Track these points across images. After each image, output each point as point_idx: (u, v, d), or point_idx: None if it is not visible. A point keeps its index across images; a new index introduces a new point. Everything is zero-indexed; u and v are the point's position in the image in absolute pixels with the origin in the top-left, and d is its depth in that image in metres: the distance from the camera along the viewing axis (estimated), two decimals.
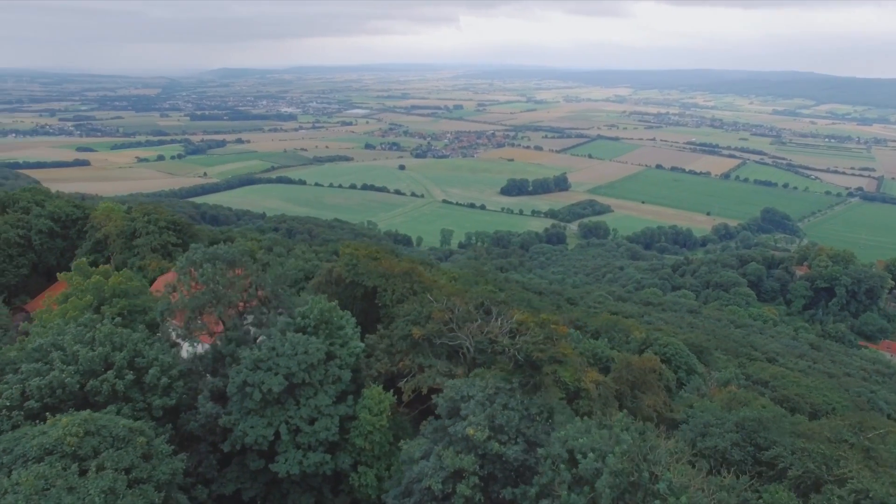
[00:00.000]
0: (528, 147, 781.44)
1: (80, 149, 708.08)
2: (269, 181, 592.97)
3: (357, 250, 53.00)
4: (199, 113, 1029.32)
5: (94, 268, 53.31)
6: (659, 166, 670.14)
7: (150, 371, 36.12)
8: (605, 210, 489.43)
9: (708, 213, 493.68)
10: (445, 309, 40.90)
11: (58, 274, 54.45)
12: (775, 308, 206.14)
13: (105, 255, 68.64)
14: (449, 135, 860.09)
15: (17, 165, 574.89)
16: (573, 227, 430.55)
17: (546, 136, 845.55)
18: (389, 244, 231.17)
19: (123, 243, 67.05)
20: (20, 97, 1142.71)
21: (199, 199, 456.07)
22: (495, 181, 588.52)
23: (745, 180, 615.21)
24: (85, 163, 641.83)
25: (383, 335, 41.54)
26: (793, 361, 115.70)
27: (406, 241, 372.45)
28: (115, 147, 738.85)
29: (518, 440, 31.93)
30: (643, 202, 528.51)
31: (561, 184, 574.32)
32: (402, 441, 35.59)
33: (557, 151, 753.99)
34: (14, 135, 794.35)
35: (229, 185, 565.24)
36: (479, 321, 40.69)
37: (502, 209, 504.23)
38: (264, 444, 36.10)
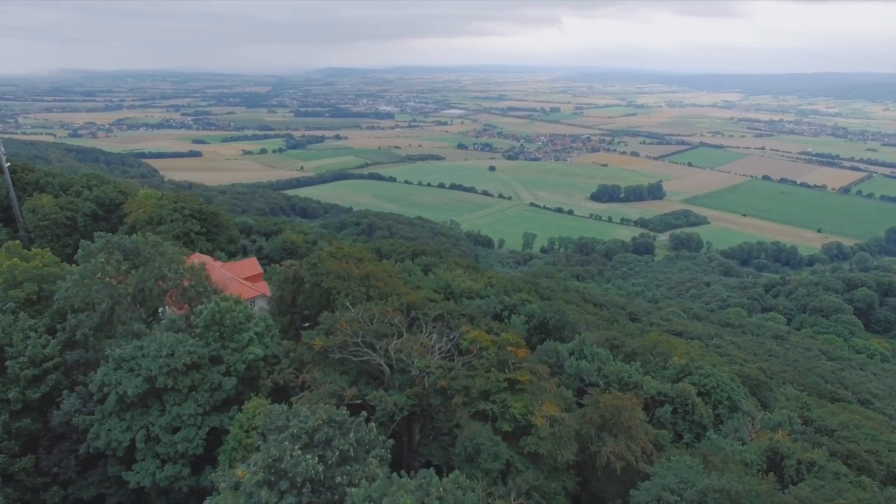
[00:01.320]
0: (623, 153, 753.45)
1: (195, 141, 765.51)
2: (361, 177, 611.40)
3: (339, 249, 51.12)
4: (303, 110, 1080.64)
5: (28, 251, 51.14)
6: (766, 177, 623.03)
7: (8, 362, 34.03)
8: (701, 221, 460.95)
9: (819, 231, 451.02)
10: (357, 320, 37.48)
11: None
12: (888, 342, 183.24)
13: None
14: (543, 137, 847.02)
15: (142, 155, 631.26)
16: (663, 237, 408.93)
17: (644, 142, 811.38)
18: (423, 244, 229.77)
19: (150, 230, 69.27)
20: (153, 94, 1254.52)
21: (291, 192, 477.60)
22: (586, 186, 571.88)
23: (870, 196, 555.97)
24: (198, 154, 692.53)
25: (301, 344, 38.88)
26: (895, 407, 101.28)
27: (487, 242, 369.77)
28: (225, 140, 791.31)
29: (303, 491, 25.29)
30: (744, 215, 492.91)
31: (655, 192, 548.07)
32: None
33: (655, 158, 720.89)
34: (144, 128, 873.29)
35: (323, 179, 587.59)
36: (403, 336, 37.02)
37: (590, 215, 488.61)
38: (119, 449, 33.24)
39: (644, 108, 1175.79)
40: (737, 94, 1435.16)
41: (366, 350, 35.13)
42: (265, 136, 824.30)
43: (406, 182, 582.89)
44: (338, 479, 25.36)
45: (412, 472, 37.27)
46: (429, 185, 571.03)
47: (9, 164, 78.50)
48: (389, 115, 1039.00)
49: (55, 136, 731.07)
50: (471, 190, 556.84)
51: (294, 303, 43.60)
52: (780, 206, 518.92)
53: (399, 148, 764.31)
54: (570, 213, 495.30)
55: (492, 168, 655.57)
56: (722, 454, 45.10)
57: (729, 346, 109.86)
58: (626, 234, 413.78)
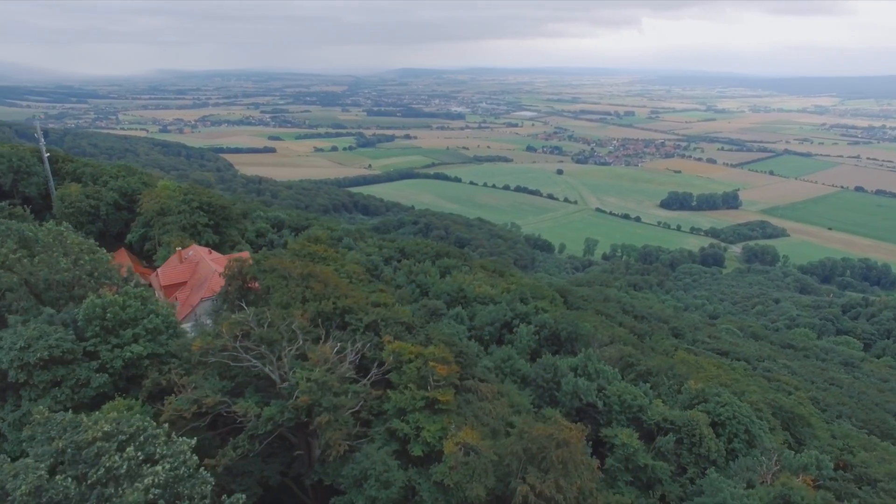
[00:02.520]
0: (699, 159, 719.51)
1: (271, 137, 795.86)
2: (427, 177, 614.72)
3: (306, 246, 48.80)
4: (375, 109, 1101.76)
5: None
6: (859, 188, 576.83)
7: None
8: (779, 234, 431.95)
9: None
10: (242, 322, 34.38)
11: None
12: None
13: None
14: (615, 142, 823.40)
15: (220, 150, 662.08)
16: (735, 249, 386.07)
17: (722, 149, 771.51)
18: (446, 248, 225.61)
19: (159, 220, 70.17)
20: (237, 93, 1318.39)
21: (356, 189, 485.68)
22: (656, 193, 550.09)
23: None
24: (272, 150, 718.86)
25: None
26: None
27: (546, 246, 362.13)
28: (299, 137, 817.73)
29: None
30: (830, 228, 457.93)
31: (730, 201, 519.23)
32: None
33: (733, 166, 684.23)
34: (226, 124, 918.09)
35: (389, 177, 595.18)
36: (299, 343, 33.72)
37: (658, 223, 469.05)
38: None
39: (724, 112, 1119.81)
40: (831, 98, 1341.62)
41: (247, 357, 32.45)
42: (337, 135, 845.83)
43: (471, 183, 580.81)
44: (90, 502, 22.23)
45: (308, 491, 34.40)
46: (493, 186, 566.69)
47: (48, 154, 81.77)
48: (460, 116, 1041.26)
49: (147, 131, 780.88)
50: (536, 193, 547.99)
51: (240, 300, 41.75)
52: (874, 221, 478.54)
53: (467, 149, 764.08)
54: (637, 219, 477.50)
55: (559, 171, 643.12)
56: (719, 497, 39.65)
57: (781, 370, 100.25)
58: (695, 243, 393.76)
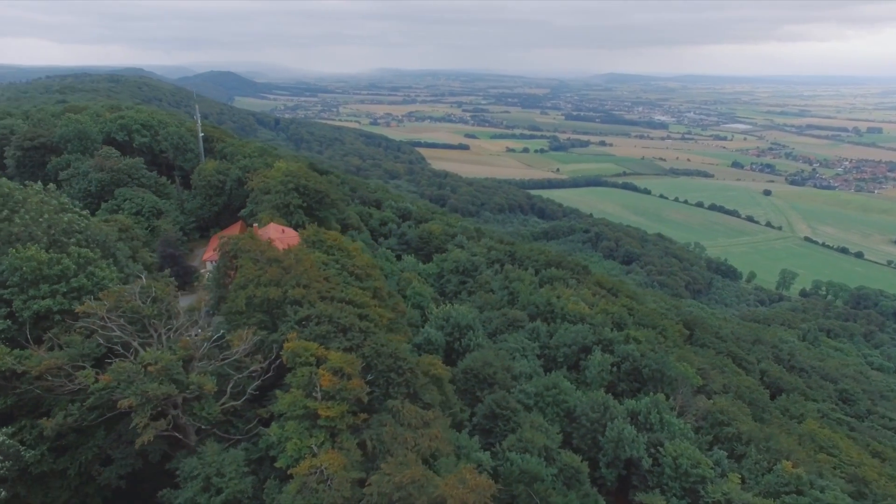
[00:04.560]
0: None
1: (467, 135, 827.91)
2: (614, 185, 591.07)
3: (317, 232, 49.01)
4: (574, 113, 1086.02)
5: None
6: None
7: None
8: None
9: None
10: (124, 294, 34.21)
11: None
12: None
13: None
14: (847, 163, 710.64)
15: (418, 144, 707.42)
16: None
17: None
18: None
19: (261, 197, 77.07)
20: (443, 91, 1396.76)
21: (537, 191, 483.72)
22: (890, 226, 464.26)
23: None
24: (465, 147, 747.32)
25: None
26: None
27: (730, 273, 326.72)
28: (493, 136, 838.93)
29: None
30: None
31: None
32: None
33: None
34: (429, 120, 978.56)
35: (575, 183, 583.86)
36: (181, 321, 32.84)
37: (888, 262, 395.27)
38: None
39: None
40: None
41: (111, 327, 33.39)
42: (531, 136, 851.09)
43: (661, 196, 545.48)
44: None
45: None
46: (685, 202, 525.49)
47: (203, 134, 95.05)
48: (663, 126, 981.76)
49: (359, 122, 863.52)
50: (733, 213, 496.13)
51: (227, 273, 44.23)
52: None
53: (664, 160, 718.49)
54: (859, 255, 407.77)
55: (766, 192, 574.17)
56: None
57: None
58: None
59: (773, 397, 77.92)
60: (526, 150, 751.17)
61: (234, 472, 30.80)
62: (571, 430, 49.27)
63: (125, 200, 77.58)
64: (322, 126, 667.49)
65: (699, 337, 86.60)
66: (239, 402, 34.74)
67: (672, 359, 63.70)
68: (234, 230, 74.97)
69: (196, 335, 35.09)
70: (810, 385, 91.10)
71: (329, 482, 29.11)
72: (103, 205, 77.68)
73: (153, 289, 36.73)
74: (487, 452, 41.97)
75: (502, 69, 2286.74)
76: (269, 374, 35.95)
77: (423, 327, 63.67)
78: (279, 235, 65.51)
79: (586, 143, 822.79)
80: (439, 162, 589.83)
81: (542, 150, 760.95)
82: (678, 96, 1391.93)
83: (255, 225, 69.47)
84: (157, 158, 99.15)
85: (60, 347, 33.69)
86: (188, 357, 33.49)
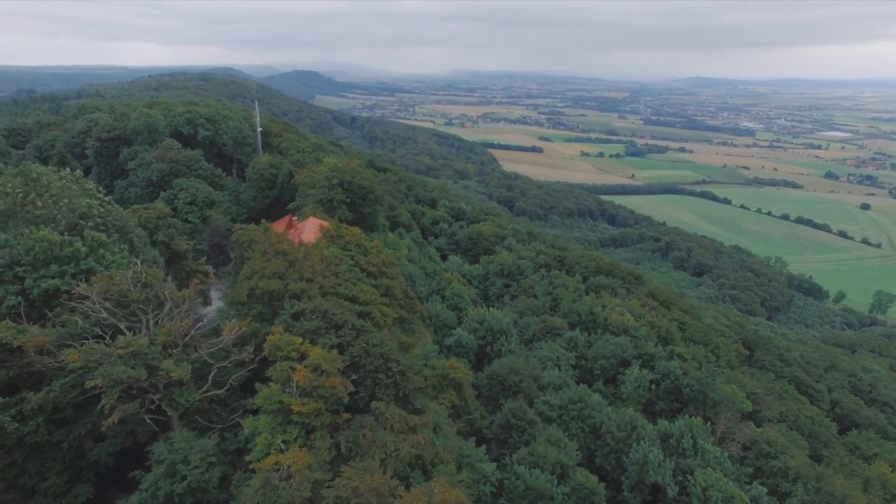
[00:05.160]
0: None
1: (541, 138, 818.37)
2: (692, 194, 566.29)
3: (338, 226, 47.94)
4: (654, 118, 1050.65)
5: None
6: None
7: None
8: None
9: None
10: (117, 279, 33.65)
11: None
12: None
13: None
14: None
15: (490, 145, 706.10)
16: None
17: None
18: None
19: (306, 191, 77.94)
20: (520, 93, 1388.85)
21: (610, 197, 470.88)
22: None
23: None
24: (538, 150, 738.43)
25: None
26: None
27: (815, 291, 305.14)
28: (568, 140, 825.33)
29: None
30: None
31: None
32: None
33: None
34: (504, 122, 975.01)
35: (650, 190, 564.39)
36: (167, 309, 31.90)
37: None
38: None
39: None
40: None
41: (99, 309, 33.40)
42: (607, 141, 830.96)
43: (742, 207, 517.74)
44: None
45: None
46: (769, 214, 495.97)
47: (261, 128, 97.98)
48: (749, 132, 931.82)
49: (434, 122, 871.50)
50: (823, 228, 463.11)
51: (241, 263, 44.54)
52: None
53: (747, 168, 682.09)
54: None
55: (864, 206, 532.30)
56: None
57: None
58: None
59: (842, 432, 70.85)
60: (601, 155, 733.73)
61: (200, 461, 30.77)
62: (595, 448, 46.48)
63: (181, 190, 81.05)
64: (396, 125, 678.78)
65: (759, 358, 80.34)
66: (221, 392, 34.92)
67: (720, 380, 59.15)
68: (283, 223, 76.54)
69: (181, 322, 35.35)
70: (893, 422, 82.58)
71: (291, 481, 28.52)
72: (161, 193, 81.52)
73: (144, 275, 37.47)
74: (495, 464, 40.22)
75: (581, 72, 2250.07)
76: (255, 366, 35.94)
77: (456, 329, 62.50)
78: (318, 229, 66.15)
79: (664, 149, 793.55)
80: (511, 164, 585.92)
81: (617, 155, 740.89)
82: (768, 101, 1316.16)
83: (294, 218, 70.59)
84: (220, 151, 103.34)
85: (63, 326, 35.08)
86: (170, 343, 34.06)
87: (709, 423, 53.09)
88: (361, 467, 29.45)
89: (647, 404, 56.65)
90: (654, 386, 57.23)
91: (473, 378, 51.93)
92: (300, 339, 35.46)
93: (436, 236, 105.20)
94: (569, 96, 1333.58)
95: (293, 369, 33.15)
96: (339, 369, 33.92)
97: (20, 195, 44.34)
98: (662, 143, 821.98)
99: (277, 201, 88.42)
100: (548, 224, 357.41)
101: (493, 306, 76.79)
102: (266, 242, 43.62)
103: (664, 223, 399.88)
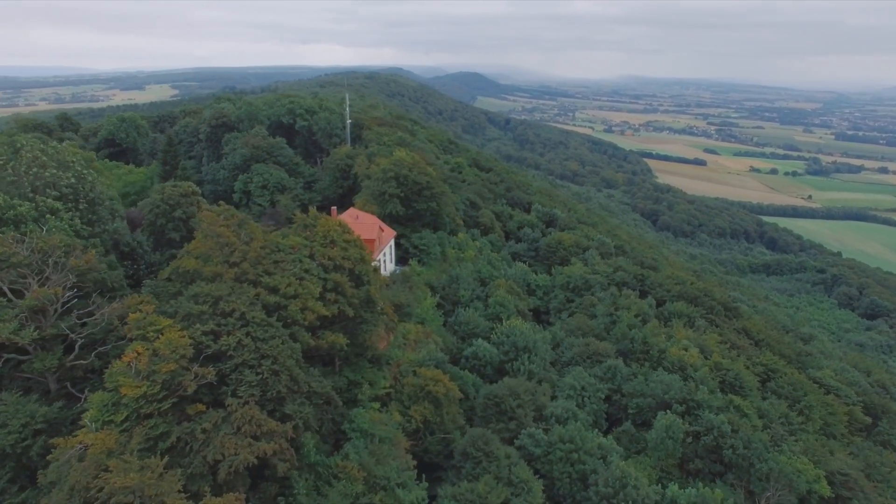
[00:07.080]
0: None
1: (706, 150, 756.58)
2: (885, 222, 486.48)
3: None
4: (850, 133, 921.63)
5: None
6: None
7: None
8: None
9: None
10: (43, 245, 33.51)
11: None
12: None
13: None
14: None
15: (648, 155, 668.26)
16: None
17: None
18: None
19: (363, 182, 76.37)
20: (689, 102, 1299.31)
21: (774, 219, 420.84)
22: None
23: None
24: (702, 162, 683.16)
25: None
26: None
27: None
28: (737, 154, 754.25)
29: None
30: None
31: None
32: None
33: None
34: (668, 132, 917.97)
35: (829, 214, 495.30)
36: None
37: None
38: None
39: None
40: None
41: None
42: (785, 157, 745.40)
43: None
44: None
45: None
46: None
47: (350, 120, 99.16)
48: None
49: (593, 129, 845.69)
50: None
51: None
52: None
53: None
54: None
55: None
56: None
57: None
58: None
59: None
60: (774, 172, 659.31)
61: (22, 426, 30.65)
62: (581, 501, 38.98)
63: (256, 175, 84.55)
64: (550, 129, 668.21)
65: (885, 430, 63.40)
66: (87, 361, 34.96)
67: (786, 446, 46.72)
68: (348, 213, 76.68)
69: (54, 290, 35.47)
70: None
71: (82, 463, 27.37)
72: (241, 176, 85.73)
73: (37, 241, 38.18)
74: (423, 493, 34.88)
75: (764, 79, 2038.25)
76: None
77: (481, 339, 57.19)
78: (352, 220, 64.79)
79: (858, 169, 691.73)
80: (667, 176, 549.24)
81: (794, 173, 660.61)
82: None
83: (334, 208, 69.92)
84: (315, 141, 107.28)
85: None
86: (38, 308, 34.20)
87: (752, 498, 42.09)
88: (123, 467, 26.87)
89: (683, 460, 46.82)
90: (691, 440, 47.11)
91: (468, 394, 46.73)
92: (168, 321, 33.64)
93: (518, 241, 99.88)
94: (745, 106, 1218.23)
95: (138, 352, 31.49)
96: (187, 357, 31.52)
97: (1, 163, 48.27)
98: (856, 162, 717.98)
99: (350, 191, 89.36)
100: (693, 243, 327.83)
101: (547, 321, 69.78)
102: (207, 225, 42.59)
103: (839, 253, 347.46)
